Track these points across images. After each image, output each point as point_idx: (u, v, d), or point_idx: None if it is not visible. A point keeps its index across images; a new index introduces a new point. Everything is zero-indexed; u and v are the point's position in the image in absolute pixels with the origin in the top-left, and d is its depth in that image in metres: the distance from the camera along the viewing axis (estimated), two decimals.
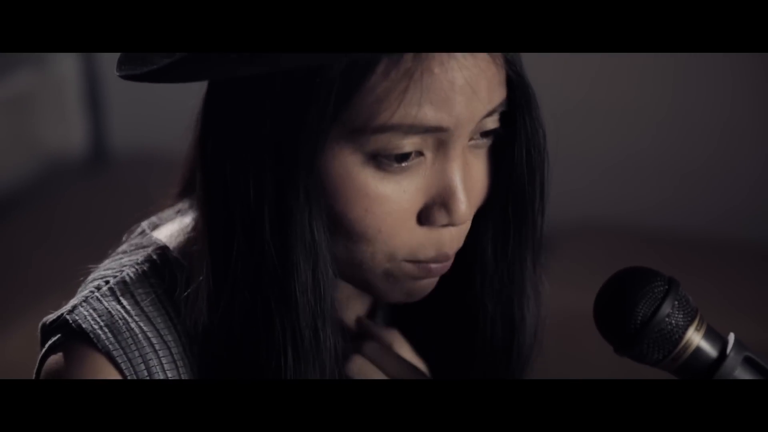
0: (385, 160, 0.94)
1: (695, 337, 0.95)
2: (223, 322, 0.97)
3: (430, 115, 0.92)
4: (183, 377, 0.99)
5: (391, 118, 0.92)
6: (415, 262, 0.99)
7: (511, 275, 1.07)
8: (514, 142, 1.00)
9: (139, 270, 1.02)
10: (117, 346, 0.97)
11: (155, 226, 1.07)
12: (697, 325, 0.95)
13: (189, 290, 0.98)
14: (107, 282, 1.01)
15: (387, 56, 0.91)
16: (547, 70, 2.97)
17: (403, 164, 0.95)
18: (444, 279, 1.03)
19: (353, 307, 1.11)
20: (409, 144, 0.94)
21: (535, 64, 1.04)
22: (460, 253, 1.02)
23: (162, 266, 1.02)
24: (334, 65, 0.90)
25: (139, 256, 1.03)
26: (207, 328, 0.98)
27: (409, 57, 0.91)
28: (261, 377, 0.97)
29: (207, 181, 0.97)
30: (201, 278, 0.97)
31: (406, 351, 1.11)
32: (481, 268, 1.06)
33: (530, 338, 1.10)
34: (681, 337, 0.94)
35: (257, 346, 0.96)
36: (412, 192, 0.96)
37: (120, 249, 1.06)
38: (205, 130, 0.97)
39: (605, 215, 3.00)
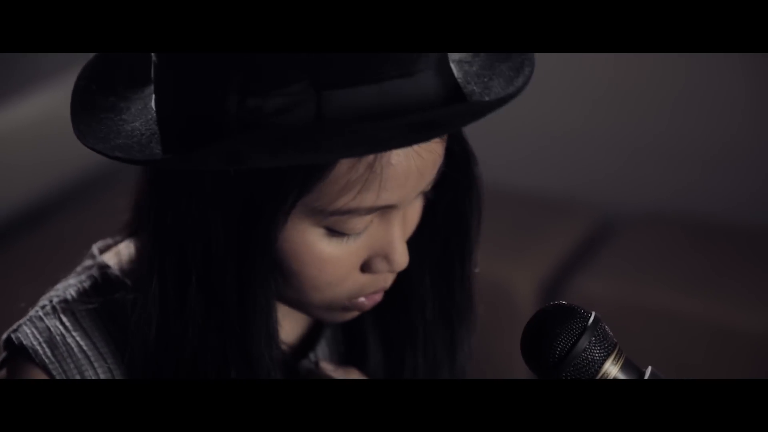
0: (339, 231, 1.03)
1: (612, 370, 1.00)
2: (172, 350, 1.05)
3: (384, 198, 1.00)
4: None
5: (349, 203, 0.99)
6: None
7: (452, 304, 1.17)
8: (450, 189, 1.09)
9: (81, 288, 1.10)
10: (53, 359, 1.07)
11: (107, 248, 1.14)
12: (615, 359, 1.00)
13: (135, 315, 1.06)
14: (51, 301, 1.10)
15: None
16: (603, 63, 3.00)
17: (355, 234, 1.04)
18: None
19: (298, 319, 1.18)
20: (363, 221, 1.02)
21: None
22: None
23: (103, 285, 1.10)
24: None
25: (84, 275, 1.12)
26: (152, 349, 1.06)
27: None
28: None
29: (165, 225, 1.03)
30: (148, 306, 1.05)
31: None
32: (420, 301, 1.16)
33: (467, 359, 1.21)
34: (598, 370, 0.99)
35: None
36: (359, 249, 1.05)
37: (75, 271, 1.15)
38: (172, 179, 1.02)
39: (662, 207, 3.01)
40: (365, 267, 1.06)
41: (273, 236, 1.00)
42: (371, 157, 0.98)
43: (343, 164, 0.97)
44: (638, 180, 3.04)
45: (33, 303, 1.13)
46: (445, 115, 0.97)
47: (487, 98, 0.99)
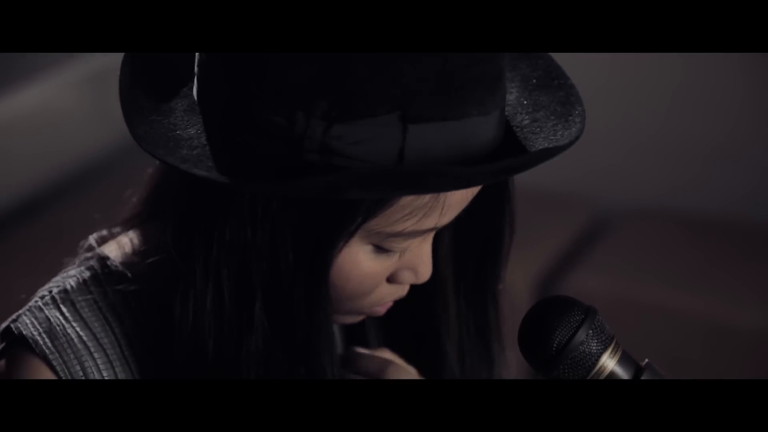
0: (387, 249, 1.04)
1: (609, 363, 1.01)
2: (234, 364, 1.04)
3: (441, 222, 1.03)
4: (119, 376, 1.08)
5: (410, 227, 1.02)
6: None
7: (485, 323, 1.21)
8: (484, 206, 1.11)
9: (80, 279, 1.10)
10: (53, 350, 1.06)
11: (104, 240, 1.14)
12: (612, 351, 1.01)
13: (183, 323, 1.05)
14: (50, 291, 1.10)
15: None
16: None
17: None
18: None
19: None
20: (413, 241, 1.05)
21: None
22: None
23: (103, 276, 1.10)
24: None
25: (83, 266, 1.12)
26: (210, 361, 1.05)
27: None
28: None
29: (222, 241, 1.02)
30: (204, 318, 1.04)
31: (403, 371, 1.17)
32: (446, 317, 1.19)
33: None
34: (595, 363, 1.00)
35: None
36: (394, 263, 1.07)
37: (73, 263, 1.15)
38: (235, 196, 1.00)
39: (658, 204, 3.02)
40: (391, 278, 1.08)
41: (332, 257, 1.01)
42: None
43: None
44: (634, 176, 3.05)
45: (32, 294, 1.13)
46: (527, 159, 0.98)
47: (539, 131, 1.02)
